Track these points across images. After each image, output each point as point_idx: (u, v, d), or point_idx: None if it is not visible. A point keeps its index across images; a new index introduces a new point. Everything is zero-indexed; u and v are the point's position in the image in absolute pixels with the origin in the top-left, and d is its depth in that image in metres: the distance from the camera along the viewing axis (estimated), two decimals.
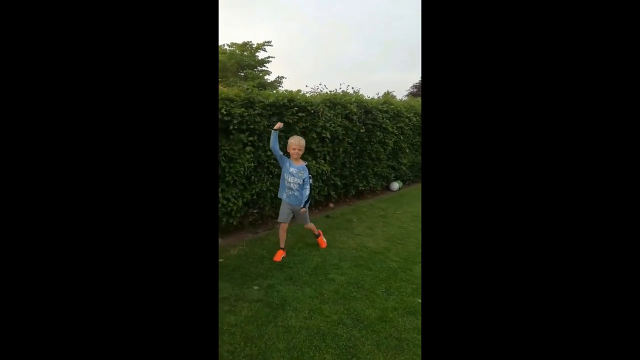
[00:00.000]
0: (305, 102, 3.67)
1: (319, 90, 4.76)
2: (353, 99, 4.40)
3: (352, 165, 4.49)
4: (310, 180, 2.72)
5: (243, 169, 3.15)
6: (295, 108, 3.53)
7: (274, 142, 2.57)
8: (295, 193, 2.68)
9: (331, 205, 4.44)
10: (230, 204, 3.09)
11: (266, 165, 3.39)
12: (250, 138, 3.17)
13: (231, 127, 3.01)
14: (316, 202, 4.22)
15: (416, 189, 5.53)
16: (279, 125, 2.57)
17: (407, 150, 5.56)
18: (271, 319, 1.89)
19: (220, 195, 3.02)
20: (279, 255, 2.70)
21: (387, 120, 4.89)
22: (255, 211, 3.47)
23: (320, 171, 3.94)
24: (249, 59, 15.44)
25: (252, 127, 3.18)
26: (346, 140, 4.26)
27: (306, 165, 2.71)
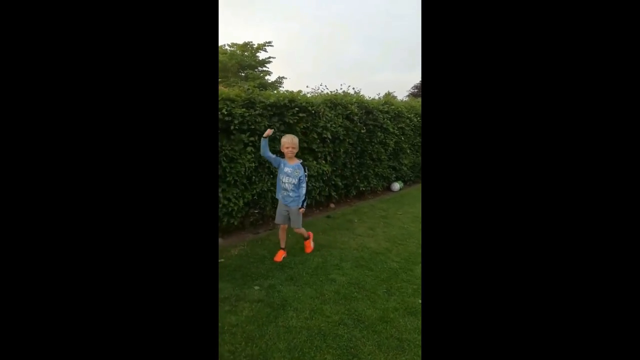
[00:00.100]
0: (306, 103, 3.67)
1: (319, 91, 4.77)
2: (354, 100, 4.40)
3: (353, 166, 4.49)
4: (306, 177, 2.64)
5: (244, 169, 3.16)
6: (296, 108, 3.54)
7: (264, 149, 2.51)
8: (290, 194, 2.61)
9: (332, 205, 4.43)
10: (231, 204, 3.09)
11: (267, 165, 3.39)
12: (251, 138, 3.17)
13: (232, 128, 3.01)
14: (317, 202, 4.22)
15: (417, 190, 5.52)
16: (268, 132, 2.48)
17: (408, 151, 5.56)
18: (272, 319, 1.89)
19: (221, 195, 3.02)
20: (280, 256, 2.70)
21: (388, 121, 4.89)
22: (256, 211, 3.47)
23: (321, 171, 3.94)
24: (249, 59, 15.46)
25: (253, 127, 3.18)
26: (347, 140, 4.26)
27: (301, 164, 2.62)
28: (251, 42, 15.68)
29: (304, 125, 3.66)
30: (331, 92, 4.62)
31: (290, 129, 3.53)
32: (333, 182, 4.24)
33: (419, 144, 5.78)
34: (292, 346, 1.68)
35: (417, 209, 4.33)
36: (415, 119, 5.53)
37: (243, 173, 3.17)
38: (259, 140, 3.27)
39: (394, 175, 5.41)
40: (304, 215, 3.93)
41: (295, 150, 2.61)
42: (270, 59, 16.13)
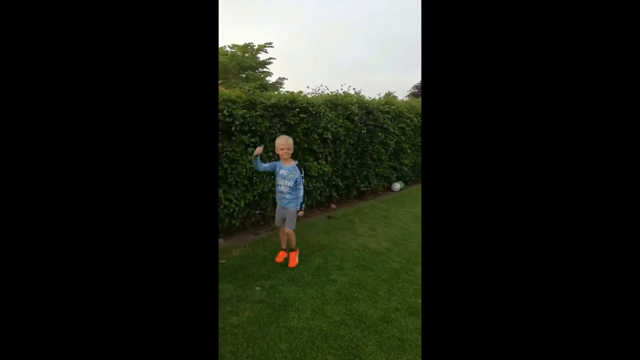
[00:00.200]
0: (307, 103, 3.68)
1: (320, 92, 4.78)
2: (354, 100, 4.41)
3: (354, 166, 4.49)
4: (303, 179, 2.57)
5: (245, 170, 3.16)
6: (297, 109, 3.54)
7: (257, 165, 2.48)
8: (286, 196, 2.54)
9: (333, 206, 4.44)
10: (233, 205, 3.10)
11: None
12: (252, 139, 3.18)
13: (233, 129, 3.02)
14: (318, 203, 4.22)
15: (418, 190, 5.52)
16: (258, 150, 2.40)
17: (409, 151, 5.56)
18: (273, 320, 1.90)
19: (222, 196, 3.03)
20: (281, 256, 2.70)
21: (389, 121, 4.90)
22: (257, 212, 3.48)
23: (322, 172, 3.95)
24: (250, 60, 15.48)
25: (254, 128, 3.19)
26: (348, 141, 4.26)
27: (297, 165, 2.55)
28: (252, 43, 15.71)
29: (305, 126, 3.67)
30: (332, 92, 4.63)
31: (291, 130, 3.54)
32: (334, 183, 4.24)
33: (420, 144, 5.78)
34: (294, 347, 1.68)
35: (417, 209, 4.33)
36: (415, 119, 5.53)
37: (244, 174, 3.17)
38: (260, 141, 3.29)
39: (395, 176, 5.41)
40: (305, 216, 3.95)
41: (291, 151, 2.54)
42: (271, 60, 16.17)
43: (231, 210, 3.10)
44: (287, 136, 2.60)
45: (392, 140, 5.02)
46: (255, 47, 15.74)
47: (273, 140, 3.19)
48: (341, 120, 4.12)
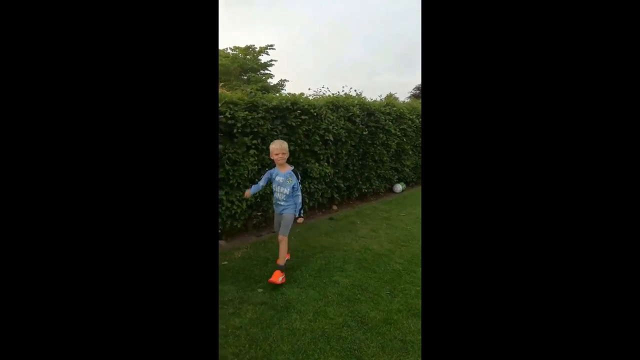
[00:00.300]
0: (308, 105, 3.69)
1: (321, 93, 4.79)
2: (355, 102, 4.41)
3: (355, 168, 4.49)
4: (300, 185, 2.47)
5: (247, 171, 3.17)
6: (299, 111, 3.55)
7: (255, 190, 2.44)
8: (281, 203, 2.45)
9: (334, 207, 4.44)
10: (234, 207, 3.10)
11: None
12: (254, 141, 3.18)
13: (235, 131, 3.03)
14: (319, 204, 4.22)
15: (420, 191, 5.51)
16: (247, 194, 2.44)
17: (410, 152, 5.56)
18: (275, 322, 1.89)
19: (224, 198, 3.03)
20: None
21: (390, 122, 4.90)
22: (259, 214, 3.48)
23: (323, 173, 3.95)
24: (251, 62, 15.53)
25: (255, 130, 3.20)
26: (349, 142, 4.27)
27: (293, 170, 2.45)
28: (253, 45, 15.77)
29: (307, 128, 3.67)
30: (333, 94, 4.64)
31: (292, 132, 3.55)
32: (335, 184, 4.24)
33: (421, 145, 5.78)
34: (296, 348, 1.68)
35: (419, 210, 4.32)
36: (417, 120, 5.53)
37: (246, 176, 3.18)
38: (262, 143, 3.30)
39: (396, 177, 5.41)
40: (307, 217, 3.95)
41: (286, 156, 2.44)
42: (272, 62, 16.21)
43: (233, 211, 3.11)
44: (282, 140, 2.51)
45: (393, 141, 5.02)
46: (256, 49, 15.79)
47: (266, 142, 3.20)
48: (342, 122, 4.12)
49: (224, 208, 3.04)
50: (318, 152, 3.89)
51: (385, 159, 4.96)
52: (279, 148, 2.41)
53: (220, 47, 15.14)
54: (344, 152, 4.21)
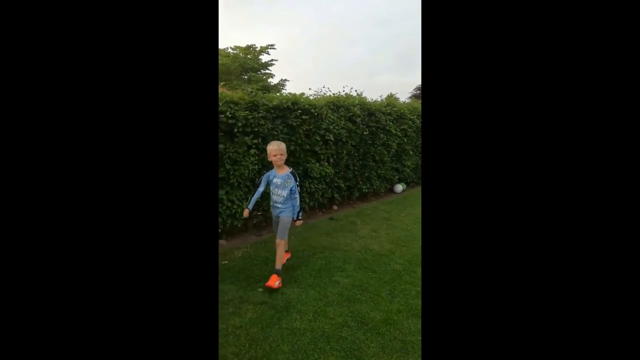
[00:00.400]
0: (309, 105, 3.69)
1: (322, 93, 4.79)
2: (356, 102, 4.42)
3: (356, 168, 4.49)
4: (299, 187, 2.41)
5: (247, 171, 3.17)
6: (299, 111, 3.55)
7: (257, 197, 2.40)
8: (279, 206, 2.40)
9: (335, 207, 4.44)
10: (235, 206, 3.10)
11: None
12: (255, 141, 3.18)
13: (235, 130, 3.03)
14: (320, 204, 4.22)
15: (420, 191, 5.51)
16: (246, 213, 2.40)
17: (411, 153, 5.56)
18: (275, 321, 1.89)
19: (224, 197, 3.03)
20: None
21: (391, 123, 4.90)
22: (259, 213, 3.48)
23: (323, 173, 3.95)
24: (252, 62, 15.54)
25: (256, 129, 3.20)
26: (350, 142, 4.27)
27: (291, 172, 2.40)
28: (254, 45, 15.78)
29: (307, 128, 3.67)
30: (334, 94, 4.64)
31: (293, 132, 3.55)
32: (336, 184, 4.24)
33: None
34: (296, 348, 1.68)
35: (420, 210, 4.32)
36: (417, 121, 5.53)
37: (247, 175, 3.18)
38: (263, 142, 3.30)
39: (397, 177, 5.41)
40: (307, 217, 3.95)
41: (284, 157, 2.38)
42: (273, 62, 16.21)
43: (233, 211, 3.10)
44: (279, 141, 2.47)
45: (394, 141, 5.02)
46: (257, 49, 15.79)
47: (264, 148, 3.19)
48: (343, 122, 4.12)
49: (224, 207, 3.04)
50: (319, 152, 3.89)
51: (385, 159, 4.96)
52: (276, 149, 2.35)
53: (221, 46, 15.14)
54: (344, 152, 4.21)
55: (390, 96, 6.74)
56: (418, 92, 17.21)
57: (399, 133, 5.10)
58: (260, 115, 3.21)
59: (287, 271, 2.53)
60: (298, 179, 2.44)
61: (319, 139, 3.82)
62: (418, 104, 6.12)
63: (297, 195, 2.40)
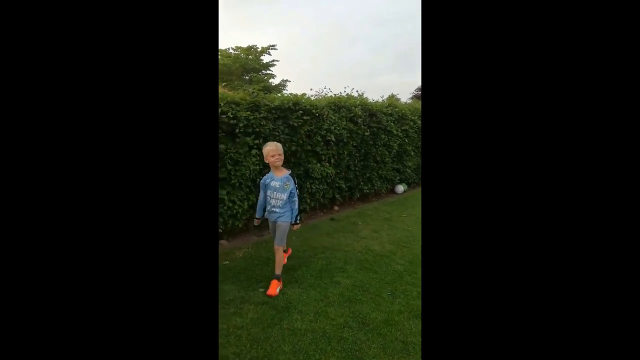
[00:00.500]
0: (310, 106, 3.69)
1: (323, 94, 4.79)
2: (357, 102, 4.41)
3: (357, 168, 4.49)
4: (297, 190, 2.33)
5: (249, 171, 3.17)
6: (300, 111, 3.55)
7: (262, 204, 2.38)
8: (277, 210, 2.29)
9: (336, 208, 4.44)
10: (236, 207, 3.10)
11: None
12: (256, 141, 3.19)
13: (237, 131, 3.03)
14: (321, 205, 4.22)
15: (421, 192, 5.50)
16: (257, 222, 2.46)
17: (412, 153, 5.55)
18: (277, 322, 1.89)
19: (226, 197, 3.03)
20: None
21: (392, 123, 4.90)
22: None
23: (325, 174, 3.95)
24: (253, 62, 15.56)
25: (257, 130, 3.20)
26: (351, 143, 4.27)
27: (290, 174, 2.30)
28: (255, 45, 15.81)
29: (308, 128, 3.67)
30: (335, 94, 4.64)
31: (294, 132, 3.55)
32: (337, 185, 4.24)
33: None
34: (297, 349, 1.68)
35: (421, 211, 4.31)
36: (419, 121, 5.53)
37: (248, 176, 3.18)
38: (264, 143, 3.29)
39: (398, 178, 5.41)
40: (308, 218, 3.95)
41: (282, 158, 2.28)
42: (274, 62, 16.24)
43: (234, 211, 3.11)
44: (276, 142, 2.36)
45: (395, 142, 5.02)
46: (258, 50, 15.82)
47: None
48: (344, 123, 4.12)
49: (225, 208, 3.05)
50: (320, 152, 3.89)
51: (387, 159, 4.95)
52: (274, 150, 2.24)
53: (221, 47, 15.18)
54: (345, 152, 4.21)
55: (392, 97, 6.75)
56: (419, 92, 17.21)
57: (400, 134, 5.10)
58: (261, 115, 3.21)
59: (288, 271, 2.53)
60: (297, 181, 2.37)
61: (320, 139, 3.82)
62: (419, 104, 6.12)
63: (297, 199, 2.31)
